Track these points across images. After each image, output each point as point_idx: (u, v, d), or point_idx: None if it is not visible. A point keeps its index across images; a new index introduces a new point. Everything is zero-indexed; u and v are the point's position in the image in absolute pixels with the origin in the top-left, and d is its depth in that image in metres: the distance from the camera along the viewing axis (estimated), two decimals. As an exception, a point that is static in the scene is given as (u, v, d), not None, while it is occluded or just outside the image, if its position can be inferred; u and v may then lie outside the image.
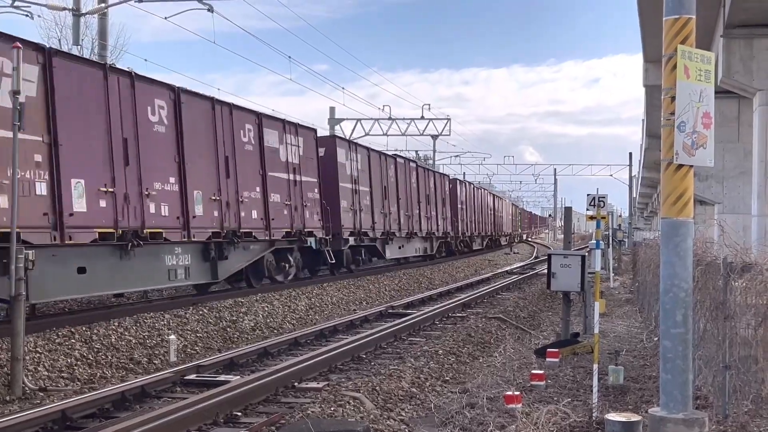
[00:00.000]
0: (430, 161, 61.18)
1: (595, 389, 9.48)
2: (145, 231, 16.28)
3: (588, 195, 22.27)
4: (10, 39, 12.76)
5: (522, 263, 46.86)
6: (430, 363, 13.13)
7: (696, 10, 7.17)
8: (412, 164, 37.85)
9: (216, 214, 19.12)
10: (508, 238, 74.30)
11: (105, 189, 15.28)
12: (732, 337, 8.17)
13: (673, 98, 7.06)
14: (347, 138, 30.56)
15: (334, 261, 25.55)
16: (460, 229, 47.22)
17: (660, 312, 7.31)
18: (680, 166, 7.07)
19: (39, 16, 38.45)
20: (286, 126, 23.43)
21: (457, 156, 76.91)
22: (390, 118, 52.55)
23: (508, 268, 41.09)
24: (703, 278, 9.24)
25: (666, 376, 7.05)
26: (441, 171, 54.96)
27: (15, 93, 11.34)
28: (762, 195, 19.54)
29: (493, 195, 66.42)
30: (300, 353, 14.09)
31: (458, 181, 49.26)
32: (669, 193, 7.12)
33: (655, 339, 13.66)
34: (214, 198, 19.02)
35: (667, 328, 7.07)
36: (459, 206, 47.06)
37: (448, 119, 55.03)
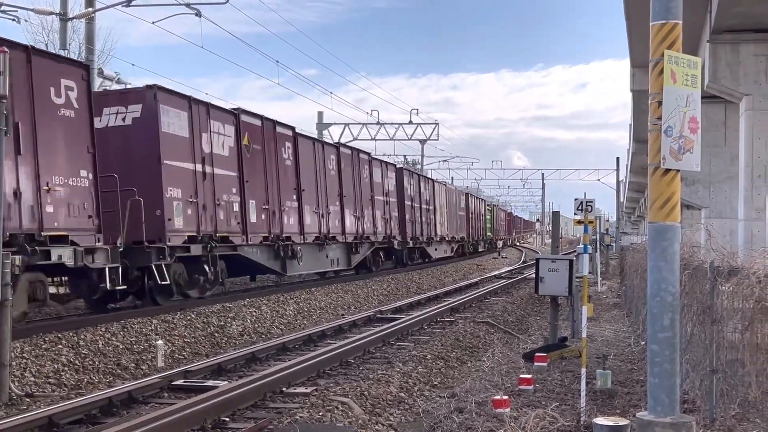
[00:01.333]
0: (419, 166, 61.24)
1: (582, 393, 9.50)
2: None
3: (576, 200, 22.30)
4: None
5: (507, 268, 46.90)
6: (418, 368, 13.14)
7: (683, 15, 7.19)
8: None
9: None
10: (457, 246, 52.22)
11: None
12: (719, 341, 8.20)
13: (659, 103, 7.08)
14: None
15: None
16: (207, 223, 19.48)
17: (647, 316, 7.33)
18: (667, 170, 7.09)
19: (26, 20, 38.31)
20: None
21: (445, 161, 76.97)
22: (378, 123, 52.63)
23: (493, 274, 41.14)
24: (690, 282, 9.27)
25: (653, 380, 7.06)
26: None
27: (1, 98, 11.26)
28: (748, 199, 19.62)
29: (399, 168, 39.46)
30: (288, 358, 14.06)
31: (192, 101, 19.35)
32: (656, 197, 7.14)
33: (643, 343, 13.69)
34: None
35: (655, 332, 7.08)
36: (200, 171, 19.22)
37: (437, 124, 55.16)
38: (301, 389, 11.40)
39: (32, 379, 11.67)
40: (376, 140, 53.25)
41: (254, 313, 18.91)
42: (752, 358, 7.71)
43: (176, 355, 14.56)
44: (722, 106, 27.84)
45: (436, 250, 44.79)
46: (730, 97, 21.24)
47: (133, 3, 23.87)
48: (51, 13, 26.48)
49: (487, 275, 38.98)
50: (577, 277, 15.00)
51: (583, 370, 9.67)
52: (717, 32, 19.78)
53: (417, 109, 79.57)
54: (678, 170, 7.15)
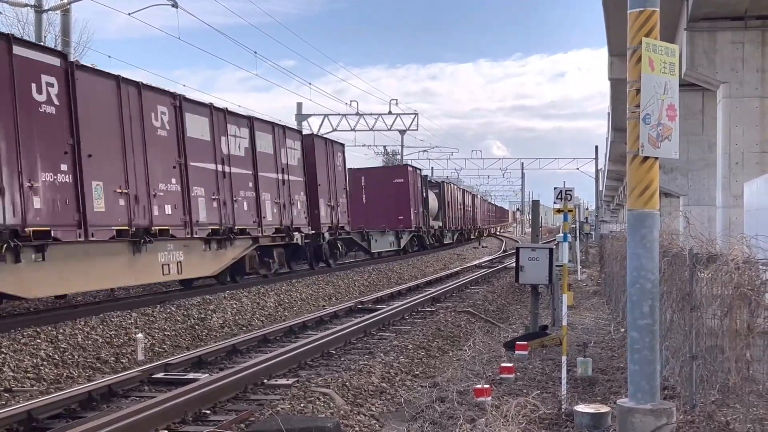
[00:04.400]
0: (398, 156, 61.21)
1: (563, 381, 9.53)
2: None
3: (555, 188, 22.36)
4: None
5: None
6: (399, 358, 13.14)
7: (660, 3, 7.21)
8: None
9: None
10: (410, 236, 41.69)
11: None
12: (698, 327, 8.23)
13: (638, 91, 7.09)
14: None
15: None
16: None
17: (627, 303, 7.36)
18: (646, 158, 7.11)
19: (0, 12, 37.91)
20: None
21: (425, 151, 77.05)
22: (357, 114, 52.60)
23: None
24: (670, 269, 9.30)
25: (633, 367, 7.09)
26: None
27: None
28: (726, 186, 19.75)
29: (308, 135, 29.56)
30: (269, 350, 14.02)
31: None
32: (635, 185, 7.16)
33: (623, 330, 13.75)
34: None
35: (634, 319, 7.11)
36: None
37: (416, 114, 55.20)
38: (283, 381, 11.38)
39: (11, 374, 11.58)
40: (355, 131, 53.28)
41: (235, 306, 18.86)
42: (731, 344, 7.74)
43: (156, 348, 14.49)
44: (700, 94, 28.01)
45: (377, 242, 36.46)
46: (707, 85, 21.35)
47: (108, -6, 23.69)
48: (25, 5, 26.23)
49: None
50: (557, 266, 15.04)
51: (564, 358, 9.70)
52: (694, 20, 19.88)
53: (396, 100, 79.48)
54: (656, 158, 7.17)
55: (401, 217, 41.34)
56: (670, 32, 21.86)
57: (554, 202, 23.08)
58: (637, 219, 7.17)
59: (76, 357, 12.91)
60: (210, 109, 21.28)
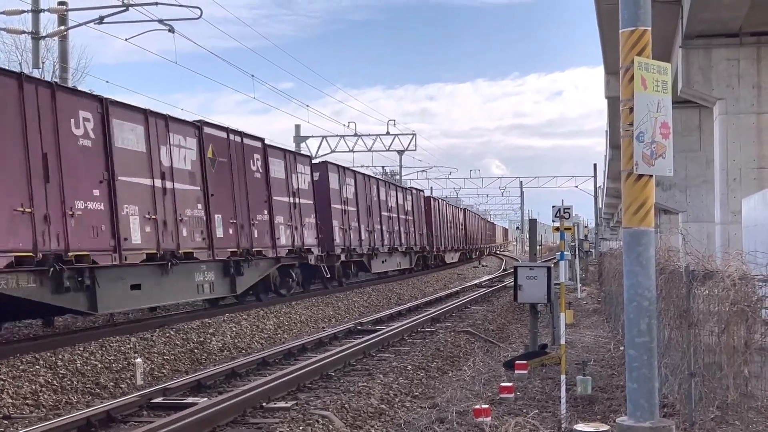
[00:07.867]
0: (397, 176, 61.24)
1: (563, 400, 9.51)
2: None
3: (553, 207, 22.38)
4: None
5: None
6: (399, 379, 13.11)
7: (654, 21, 7.23)
8: None
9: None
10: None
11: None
12: (696, 344, 8.23)
13: (631, 109, 7.11)
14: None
15: None
16: None
17: (624, 321, 7.35)
18: (640, 176, 7.12)
19: (-2, 39, 38.10)
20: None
21: (423, 171, 77.05)
22: (355, 135, 52.68)
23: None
24: (667, 287, 9.30)
25: (632, 385, 7.07)
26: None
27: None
28: (724, 203, 19.77)
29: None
30: (268, 373, 13.98)
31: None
32: (630, 203, 7.17)
33: (622, 348, 13.72)
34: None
35: (632, 337, 7.09)
36: None
37: (414, 134, 55.22)
38: (282, 404, 11.35)
39: (10, 400, 11.54)
40: (354, 152, 53.35)
41: (234, 329, 18.81)
42: (730, 361, 7.74)
43: (156, 373, 14.46)
44: (697, 111, 28.11)
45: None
46: (704, 102, 21.42)
47: (105, 20, 23.79)
48: (23, 32, 26.35)
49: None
50: (555, 284, 15.02)
51: (563, 377, 9.68)
52: (689, 37, 19.97)
53: (394, 120, 79.32)
54: (651, 175, 7.18)
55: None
56: (665, 50, 21.95)
57: (552, 221, 23.11)
58: (633, 237, 7.17)
59: (75, 383, 12.87)
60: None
